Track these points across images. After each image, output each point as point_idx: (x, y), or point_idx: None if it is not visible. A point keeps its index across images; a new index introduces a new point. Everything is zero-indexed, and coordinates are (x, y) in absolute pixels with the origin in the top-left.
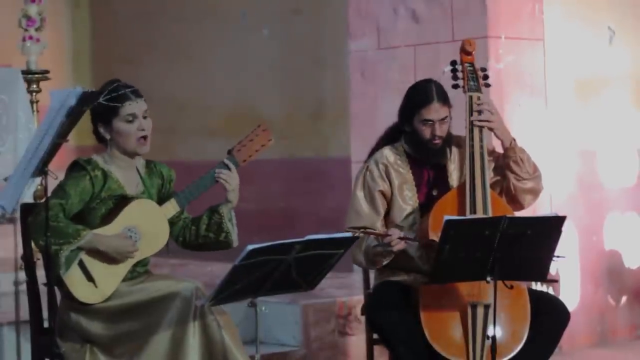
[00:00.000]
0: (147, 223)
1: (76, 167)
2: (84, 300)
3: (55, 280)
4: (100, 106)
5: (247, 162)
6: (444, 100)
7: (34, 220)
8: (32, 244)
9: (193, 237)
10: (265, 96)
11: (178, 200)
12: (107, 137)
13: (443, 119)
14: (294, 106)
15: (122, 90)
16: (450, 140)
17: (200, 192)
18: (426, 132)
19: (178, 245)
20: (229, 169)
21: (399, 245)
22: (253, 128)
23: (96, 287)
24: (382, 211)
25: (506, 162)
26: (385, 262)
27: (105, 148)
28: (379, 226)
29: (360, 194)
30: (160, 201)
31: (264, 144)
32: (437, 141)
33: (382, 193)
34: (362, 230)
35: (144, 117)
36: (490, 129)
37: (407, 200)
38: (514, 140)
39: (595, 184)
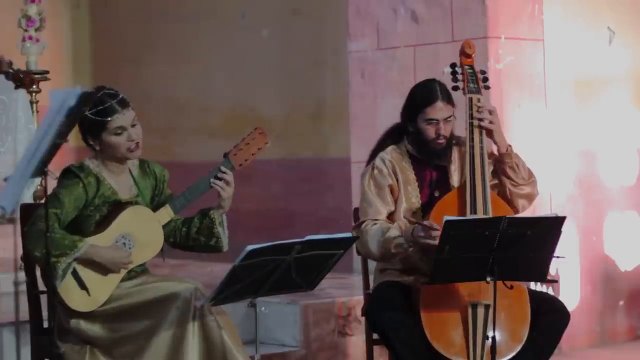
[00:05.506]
0: (141, 230)
1: (69, 175)
2: (77, 308)
3: (50, 290)
4: (87, 120)
5: (243, 166)
6: (448, 99)
7: (29, 231)
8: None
9: (183, 239)
10: (265, 96)
11: (173, 206)
12: (97, 148)
13: (447, 119)
14: (293, 106)
15: (108, 102)
16: (451, 140)
17: (195, 198)
18: (430, 132)
19: (168, 245)
20: (225, 175)
21: None
22: (249, 131)
23: (89, 295)
24: (392, 204)
25: (502, 167)
26: (400, 256)
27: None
28: (384, 218)
29: (369, 189)
30: (155, 201)
31: (260, 147)
32: (442, 141)
33: (391, 188)
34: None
35: (133, 126)
36: (490, 131)
37: (411, 200)
38: (510, 146)
39: (595, 184)
